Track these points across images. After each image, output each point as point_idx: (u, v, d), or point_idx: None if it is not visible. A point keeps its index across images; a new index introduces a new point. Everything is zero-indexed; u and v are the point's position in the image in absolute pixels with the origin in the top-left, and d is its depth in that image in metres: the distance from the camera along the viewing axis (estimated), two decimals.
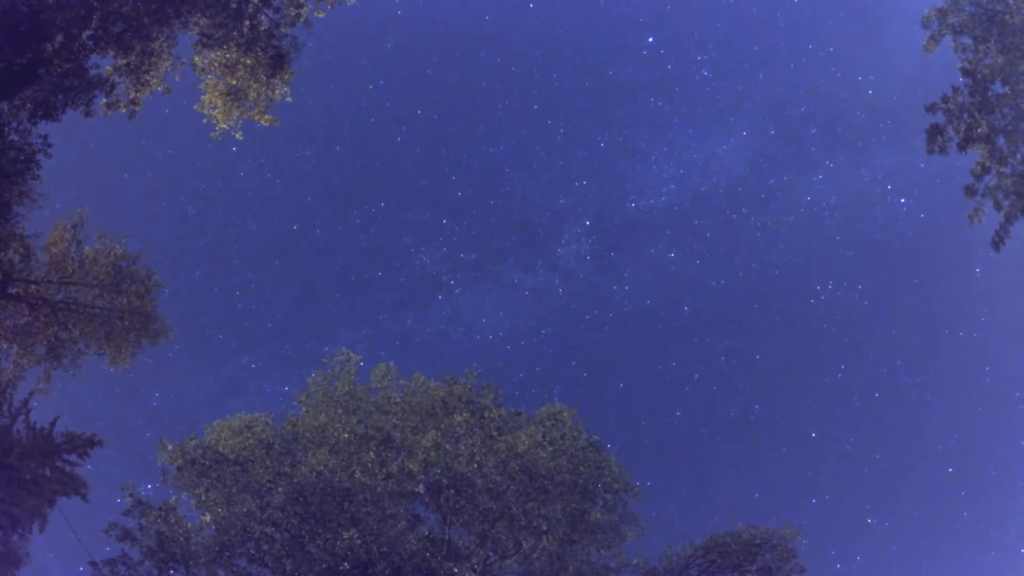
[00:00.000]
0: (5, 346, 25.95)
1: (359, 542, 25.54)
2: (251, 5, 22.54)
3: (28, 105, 20.87)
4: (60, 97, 20.95)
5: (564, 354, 65.23)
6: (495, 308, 64.70)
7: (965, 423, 61.01)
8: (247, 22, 22.57)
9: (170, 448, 27.60)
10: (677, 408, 64.13)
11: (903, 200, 62.59)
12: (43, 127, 21.45)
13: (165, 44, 22.45)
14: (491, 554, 28.18)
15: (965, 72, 21.31)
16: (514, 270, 65.07)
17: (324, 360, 30.73)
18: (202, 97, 24.04)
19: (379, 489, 26.55)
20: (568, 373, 64.73)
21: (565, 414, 28.69)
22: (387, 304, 63.44)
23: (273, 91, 23.91)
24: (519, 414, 29.25)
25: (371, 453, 27.57)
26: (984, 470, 60.19)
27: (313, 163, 62.30)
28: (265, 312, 62.22)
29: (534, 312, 65.42)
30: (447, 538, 27.48)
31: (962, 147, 21.54)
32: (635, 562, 29.21)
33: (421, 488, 28.18)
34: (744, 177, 65.87)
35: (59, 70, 20.66)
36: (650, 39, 63.83)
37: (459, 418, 27.94)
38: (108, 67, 22.12)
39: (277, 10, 23.17)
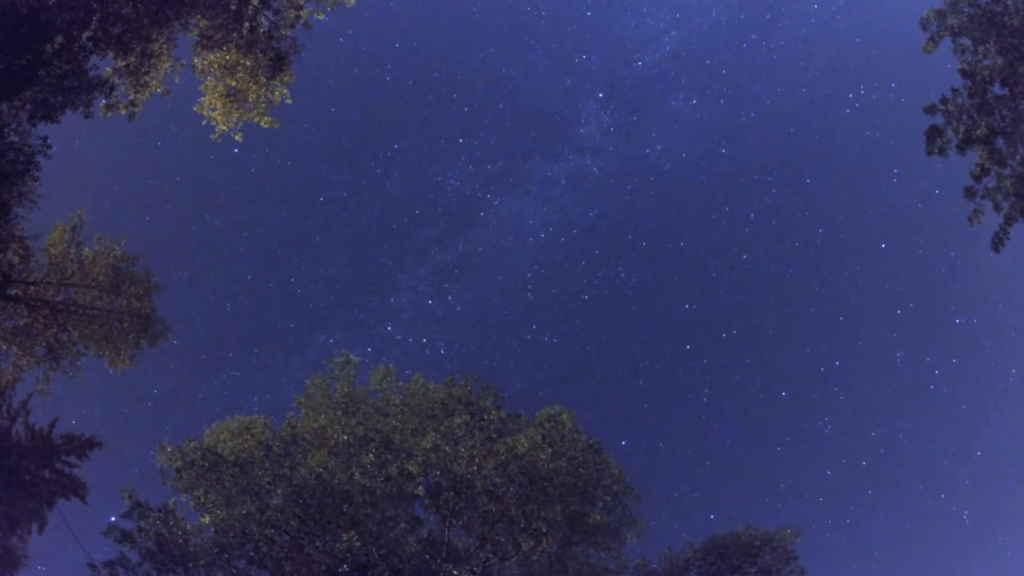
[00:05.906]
0: (4, 347, 25.92)
1: (358, 544, 25.52)
2: (251, 7, 22.55)
3: (28, 106, 20.83)
4: (60, 98, 20.90)
5: (618, 230, 63.55)
6: (538, 207, 63.14)
7: None
8: (247, 24, 22.58)
9: (169, 450, 27.56)
10: (743, 252, 62.05)
11: None
12: (42, 128, 21.45)
13: (165, 46, 22.43)
14: (491, 556, 28.14)
15: (964, 74, 21.27)
16: (543, 164, 63.39)
17: (323, 362, 30.82)
18: (202, 99, 24.05)
19: (378, 491, 26.54)
20: (628, 247, 63.22)
21: (565, 416, 28.67)
22: (435, 238, 62.42)
23: (273, 93, 23.92)
24: (518, 416, 29.25)
25: (370, 455, 27.53)
26: None
27: (315, 133, 61.47)
28: (323, 287, 61.55)
29: (576, 199, 63.90)
30: (447, 540, 27.44)
31: (961, 149, 21.49)
32: (634, 564, 29.22)
33: (420, 490, 28.16)
34: (743, 2, 62.41)
35: (59, 71, 20.63)
36: None
37: (459, 420, 27.91)
38: (108, 68, 22.11)
39: (277, 12, 23.18)
